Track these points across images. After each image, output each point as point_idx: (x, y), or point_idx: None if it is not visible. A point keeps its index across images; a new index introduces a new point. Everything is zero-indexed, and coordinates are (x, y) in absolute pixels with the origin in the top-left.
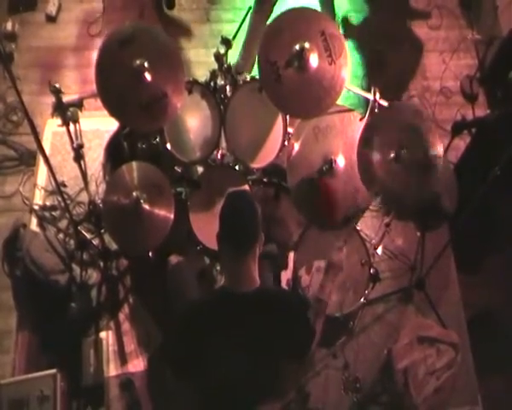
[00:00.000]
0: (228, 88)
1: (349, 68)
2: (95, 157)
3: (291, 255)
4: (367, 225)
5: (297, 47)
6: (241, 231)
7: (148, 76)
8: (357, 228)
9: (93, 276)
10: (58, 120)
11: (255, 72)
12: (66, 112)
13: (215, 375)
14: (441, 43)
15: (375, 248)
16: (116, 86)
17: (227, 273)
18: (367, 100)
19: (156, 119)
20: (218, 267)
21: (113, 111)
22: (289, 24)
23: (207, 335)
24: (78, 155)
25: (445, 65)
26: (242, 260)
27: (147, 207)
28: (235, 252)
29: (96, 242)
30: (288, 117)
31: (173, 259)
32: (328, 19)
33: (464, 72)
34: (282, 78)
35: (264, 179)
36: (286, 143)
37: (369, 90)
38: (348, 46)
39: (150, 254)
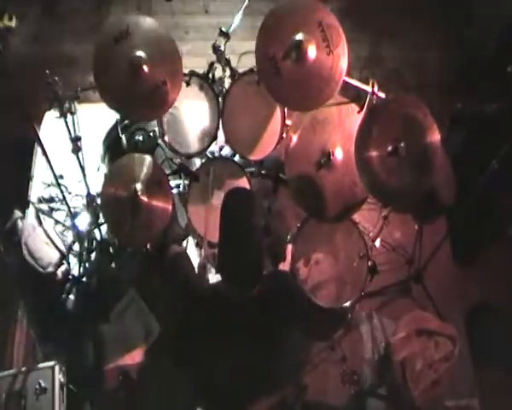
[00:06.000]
0: (226, 80)
1: (347, 58)
2: (92, 149)
3: (289, 248)
4: (365, 218)
5: (294, 38)
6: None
7: (145, 68)
8: (356, 221)
9: (91, 268)
10: (56, 112)
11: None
12: (64, 104)
13: (214, 367)
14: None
15: (373, 241)
16: (114, 79)
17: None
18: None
19: (153, 110)
20: None
21: (111, 103)
22: (286, 16)
23: (207, 328)
24: (76, 147)
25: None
26: None
27: (145, 199)
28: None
29: (93, 234)
30: (286, 109)
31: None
32: (324, 8)
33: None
34: (280, 71)
35: (263, 172)
36: (284, 135)
37: (366, 83)
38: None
39: (148, 246)
